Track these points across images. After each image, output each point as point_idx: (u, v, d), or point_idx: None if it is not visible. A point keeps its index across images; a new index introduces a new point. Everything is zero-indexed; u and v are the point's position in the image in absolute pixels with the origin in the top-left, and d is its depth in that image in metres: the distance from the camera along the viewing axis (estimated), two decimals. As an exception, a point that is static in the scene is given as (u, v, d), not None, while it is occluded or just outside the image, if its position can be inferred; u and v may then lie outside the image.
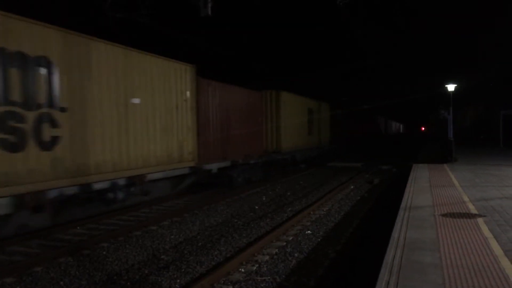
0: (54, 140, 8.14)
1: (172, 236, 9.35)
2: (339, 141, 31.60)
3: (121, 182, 9.88)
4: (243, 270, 6.98)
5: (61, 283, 6.63)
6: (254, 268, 7.09)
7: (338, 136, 31.48)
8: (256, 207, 12.61)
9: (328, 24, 25.78)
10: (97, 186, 9.20)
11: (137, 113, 10.46)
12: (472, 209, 8.73)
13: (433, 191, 11.23)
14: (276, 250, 8.12)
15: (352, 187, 16.66)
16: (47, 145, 8.00)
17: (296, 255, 7.89)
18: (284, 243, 8.57)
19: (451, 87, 21.35)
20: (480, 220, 7.71)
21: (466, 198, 10.04)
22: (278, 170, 19.82)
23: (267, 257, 7.65)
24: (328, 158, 27.74)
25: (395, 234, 6.84)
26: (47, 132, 8.00)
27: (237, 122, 15.69)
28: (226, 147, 14.77)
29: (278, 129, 19.06)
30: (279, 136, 19.06)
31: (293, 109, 20.90)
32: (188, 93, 12.57)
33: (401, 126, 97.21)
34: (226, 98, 14.86)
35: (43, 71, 7.92)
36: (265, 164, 18.16)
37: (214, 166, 14.00)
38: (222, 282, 6.47)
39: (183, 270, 7.09)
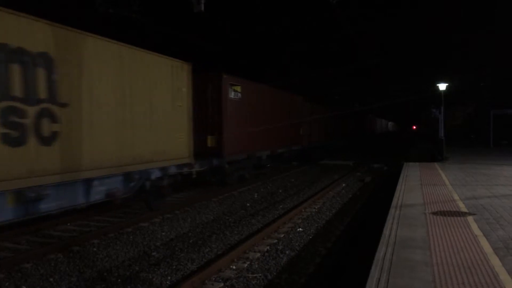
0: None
1: (163, 233, 9.32)
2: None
3: None
4: (234, 267, 6.97)
5: (51, 279, 6.58)
6: (245, 265, 7.09)
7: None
8: (248, 205, 12.60)
9: (321, 23, 25.88)
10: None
11: None
12: (462, 208, 8.80)
13: (423, 190, 11.30)
14: (268, 247, 8.12)
15: (343, 185, 16.71)
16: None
17: (287, 252, 7.90)
18: (276, 241, 8.58)
19: (442, 86, 21.48)
20: (470, 218, 7.77)
21: (456, 197, 10.11)
22: None
23: (258, 254, 7.65)
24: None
25: (386, 232, 6.87)
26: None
27: None
28: None
29: None
30: None
31: None
32: None
33: (388, 124, 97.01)
34: None
35: None
36: None
37: None
38: (213, 279, 6.46)
39: (174, 267, 7.07)
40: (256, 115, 16.98)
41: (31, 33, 7.36)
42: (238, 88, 15.59)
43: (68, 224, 9.90)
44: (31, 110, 7.37)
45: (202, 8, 10.35)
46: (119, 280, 6.56)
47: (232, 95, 15.05)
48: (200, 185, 14.89)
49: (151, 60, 10.58)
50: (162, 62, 11.05)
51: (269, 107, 18.48)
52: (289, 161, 22.51)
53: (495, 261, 5.31)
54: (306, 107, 24.76)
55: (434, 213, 8.26)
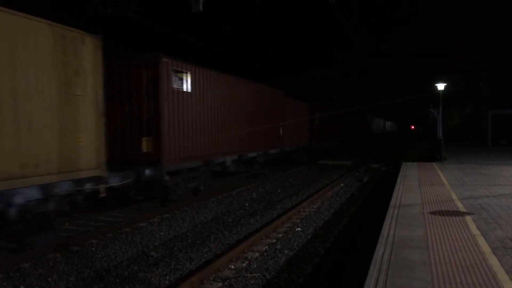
0: None
1: (161, 233, 9.31)
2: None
3: None
4: (233, 267, 6.97)
5: (49, 279, 6.57)
6: (244, 265, 7.08)
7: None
8: (246, 204, 12.60)
9: (320, 24, 25.87)
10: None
11: None
12: (461, 207, 8.80)
13: (422, 189, 11.30)
14: (266, 247, 8.12)
15: (342, 184, 16.71)
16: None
17: (286, 252, 7.90)
18: (274, 240, 8.58)
19: (441, 86, 21.49)
20: (468, 218, 7.77)
21: (454, 197, 10.12)
22: None
23: (257, 254, 7.65)
24: None
25: (384, 231, 6.87)
26: None
27: None
28: None
29: None
30: None
31: None
32: None
33: (387, 123, 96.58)
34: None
35: None
36: None
37: None
38: (212, 279, 6.45)
39: (172, 266, 7.07)
40: (216, 112, 13.91)
41: None
42: (187, 77, 12.09)
43: (66, 223, 9.89)
44: None
45: (201, 8, 10.33)
46: (117, 280, 6.56)
47: (177, 85, 11.64)
48: (139, 203, 12.17)
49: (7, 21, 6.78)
50: (38, 28, 7.35)
51: (235, 102, 15.36)
52: (265, 166, 19.64)
53: (493, 261, 5.31)
54: (289, 103, 22.13)
55: (433, 213, 8.26)
